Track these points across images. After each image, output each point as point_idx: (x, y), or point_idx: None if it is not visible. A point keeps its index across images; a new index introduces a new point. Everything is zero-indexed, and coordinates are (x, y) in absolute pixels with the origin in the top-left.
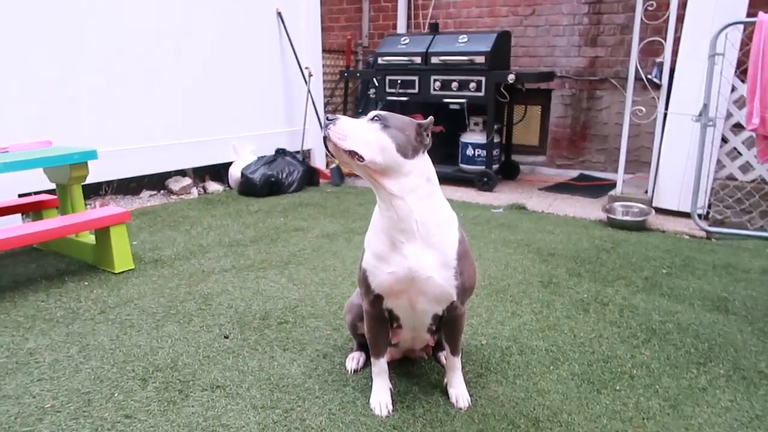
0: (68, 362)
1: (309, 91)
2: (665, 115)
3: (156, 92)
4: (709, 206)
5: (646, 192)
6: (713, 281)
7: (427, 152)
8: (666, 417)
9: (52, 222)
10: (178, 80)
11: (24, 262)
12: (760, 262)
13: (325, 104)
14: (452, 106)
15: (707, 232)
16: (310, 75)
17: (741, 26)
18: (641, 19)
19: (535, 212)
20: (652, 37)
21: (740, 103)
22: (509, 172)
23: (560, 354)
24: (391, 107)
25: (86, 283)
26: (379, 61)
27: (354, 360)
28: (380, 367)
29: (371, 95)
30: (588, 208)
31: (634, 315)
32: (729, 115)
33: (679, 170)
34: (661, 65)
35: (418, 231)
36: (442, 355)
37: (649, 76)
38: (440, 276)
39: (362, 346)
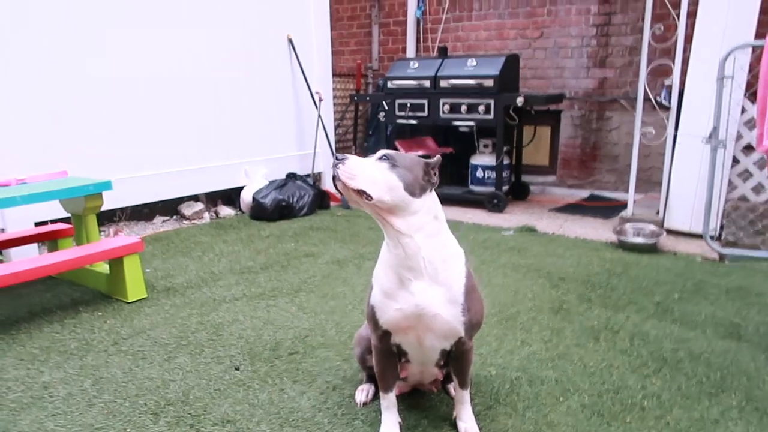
0: (82, 396)
1: (319, 116)
2: (675, 136)
3: (168, 119)
4: (722, 227)
5: (658, 213)
6: (726, 306)
7: (439, 173)
8: None
9: (66, 254)
10: (190, 107)
11: (40, 291)
12: None
13: (336, 127)
14: (462, 129)
15: (720, 254)
16: (321, 99)
17: (749, 49)
18: (649, 42)
19: (546, 234)
20: (661, 60)
21: (751, 124)
22: (519, 193)
23: (570, 384)
24: (401, 130)
25: (100, 313)
26: (389, 84)
27: (363, 392)
28: (389, 401)
29: (381, 118)
30: (599, 230)
31: (645, 343)
32: (740, 136)
33: (691, 191)
34: (669, 87)
35: (425, 268)
36: (451, 387)
37: (658, 99)
38: (447, 312)
39: (371, 378)
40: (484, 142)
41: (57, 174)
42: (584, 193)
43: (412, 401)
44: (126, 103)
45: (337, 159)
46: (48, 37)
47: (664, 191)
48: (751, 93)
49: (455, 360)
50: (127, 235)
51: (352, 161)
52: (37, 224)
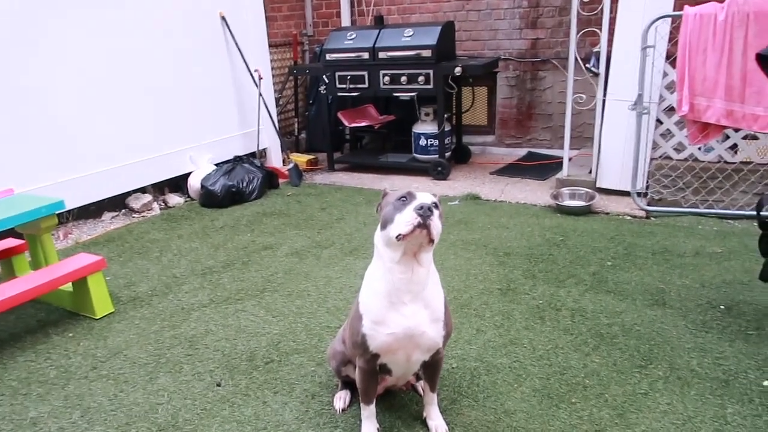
0: (74, 429)
1: (260, 94)
2: (604, 101)
3: (105, 114)
4: (647, 187)
5: (590, 172)
6: (652, 270)
7: (382, 140)
8: (615, 428)
9: (27, 282)
10: (127, 99)
11: (2, 315)
12: (693, 243)
13: (277, 99)
14: (403, 98)
15: (646, 211)
16: (261, 78)
17: (669, 19)
18: (578, 11)
19: (489, 202)
20: (589, 28)
21: (672, 88)
22: (461, 157)
23: (522, 370)
24: (343, 100)
25: (71, 334)
26: (327, 57)
27: (341, 400)
28: (370, 411)
29: (322, 91)
30: (537, 193)
31: (584, 319)
32: (662, 98)
33: (619, 152)
34: (598, 54)
35: (423, 292)
36: (420, 386)
37: (588, 66)
38: (432, 330)
39: (346, 385)
40: (425, 111)
41: (4, 193)
42: (522, 152)
43: (386, 403)
44: (59, 105)
45: (429, 210)
46: None
47: (595, 152)
48: (671, 60)
49: (430, 367)
50: (77, 237)
51: (436, 216)
52: None
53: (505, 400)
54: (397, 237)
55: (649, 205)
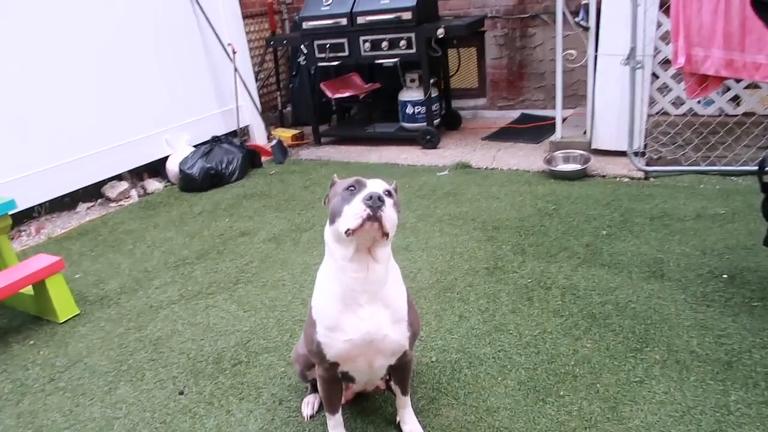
0: None
1: (236, 69)
2: (596, 56)
3: (75, 100)
4: (645, 146)
5: (585, 133)
6: (650, 239)
7: (369, 110)
8: (606, 423)
9: None
10: (97, 84)
11: None
12: (694, 205)
13: (257, 73)
14: (386, 65)
15: (645, 172)
16: (234, 52)
17: None
18: None
19: (480, 170)
20: None
21: (667, 39)
22: (452, 123)
23: (507, 360)
24: (326, 70)
25: (31, 342)
26: (304, 26)
27: (309, 405)
28: (336, 421)
29: (301, 62)
30: (531, 158)
31: (575, 299)
32: (657, 51)
33: (614, 111)
34: (587, 6)
35: (381, 292)
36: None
37: (577, 19)
38: (395, 332)
39: (315, 388)
40: (410, 77)
41: None
42: (515, 114)
43: (357, 406)
44: (21, 93)
45: (379, 200)
46: None
47: (589, 112)
48: (665, 8)
49: (398, 371)
50: (49, 231)
51: (388, 205)
52: None
53: (487, 396)
54: (346, 232)
55: (647, 165)
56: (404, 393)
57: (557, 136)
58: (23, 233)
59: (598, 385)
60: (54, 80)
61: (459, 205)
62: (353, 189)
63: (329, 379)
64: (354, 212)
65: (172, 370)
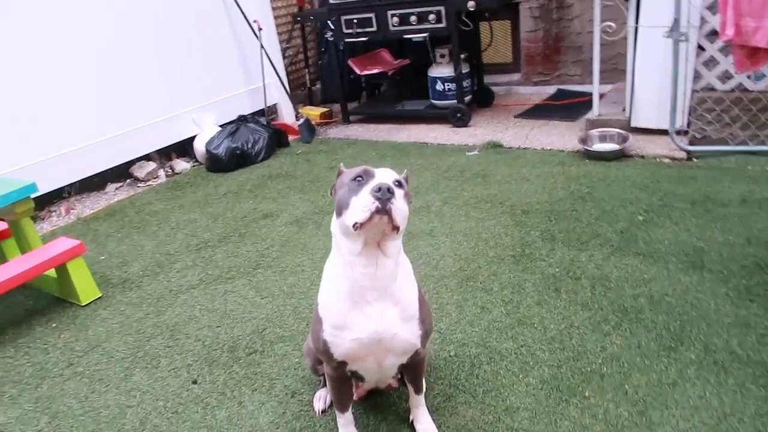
0: None
1: (262, 46)
2: (636, 28)
3: (105, 81)
4: (688, 124)
5: (624, 110)
6: (690, 226)
7: (398, 87)
8: (634, 428)
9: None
10: (126, 63)
11: None
12: (740, 189)
13: (285, 50)
14: (415, 40)
15: (687, 152)
16: (260, 29)
17: None
18: None
19: (511, 150)
20: None
21: (714, 9)
22: (484, 100)
23: (530, 356)
24: (354, 46)
25: (54, 325)
26: (331, 0)
27: (321, 400)
28: (345, 419)
29: (329, 38)
30: (565, 137)
31: (606, 290)
32: (703, 21)
33: (656, 86)
34: None
35: (390, 288)
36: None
37: None
38: (405, 330)
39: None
40: (440, 52)
41: None
42: (551, 89)
43: (370, 402)
44: (54, 75)
45: (388, 191)
46: None
47: (628, 87)
48: None
49: (410, 369)
50: (79, 212)
51: (398, 196)
52: None
53: (507, 395)
54: (353, 225)
55: (690, 144)
56: (417, 392)
57: (594, 113)
58: (53, 213)
59: (626, 387)
60: (84, 61)
61: (487, 187)
62: (361, 179)
63: (338, 377)
64: (362, 204)
65: (187, 358)
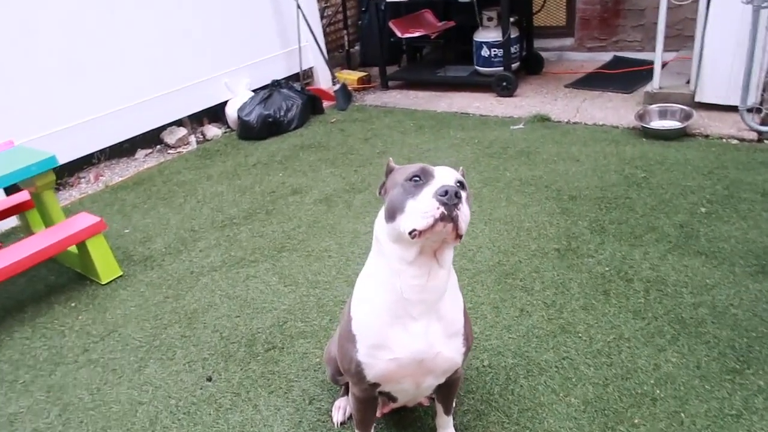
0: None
1: (298, 6)
2: None
3: (131, 44)
4: (762, 101)
5: (689, 82)
6: (761, 220)
7: (441, 51)
8: None
9: (16, 251)
10: (154, 25)
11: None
12: None
13: (323, 10)
14: (461, 0)
15: (759, 132)
16: None
17: None
18: None
19: (560, 124)
20: None
21: None
22: (532, 66)
23: (572, 371)
24: (396, 9)
25: (73, 304)
26: None
27: (340, 411)
28: None
29: None
30: (621, 110)
31: (661, 296)
32: None
33: (727, 56)
34: None
35: (438, 302)
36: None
37: None
38: (449, 348)
39: (348, 390)
40: (488, 15)
41: (1, 146)
42: (607, 56)
43: (394, 417)
44: (76, 40)
45: (455, 197)
46: None
47: (695, 57)
48: None
49: (444, 388)
50: (107, 179)
51: (465, 202)
52: (8, 192)
53: (545, 416)
54: (411, 233)
55: (762, 124)
56: (447, 412)
57: (654, 85)
58: (82, 180)
59: (682, 415)
60: (115, 25)
61: (532, 167)
62: (418, 179)
63: (365, 399)
64: (423, 210)
65: (203, 351)
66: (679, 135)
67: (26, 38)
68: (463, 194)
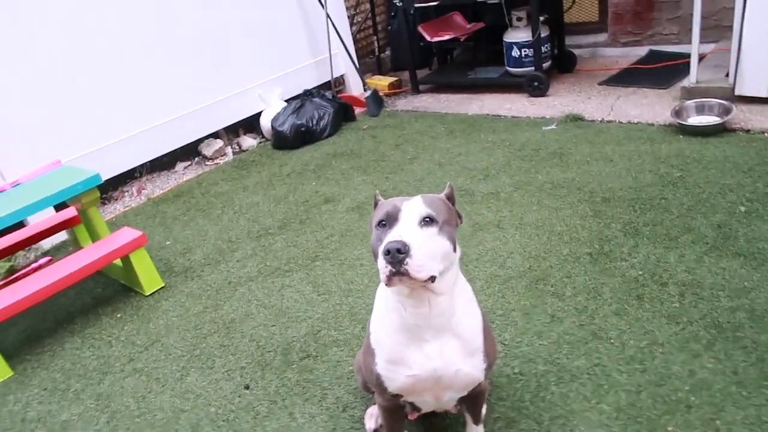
0: None
1: (328, 15)
2: None
3: (169, 61)
4: None
5: (728, 75)
6: None
7: (471, 53)
8: None
9: (67, 266)
10: (188, 42)
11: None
12: None
13: (352, 17)
14: (490, 2)
15: None
16: None
17: None
18: None
19: (594, 124)
20: None
21: None
22: (564, 64)
23: (605, 377)
24: (425, 13)
25: (119, 315)
26: None
27: (373, 419)
28: None
29: (397, 2)
30: (657, 107)
31: (697, 300)
32: None
33: None
34: None
35: (449, 324)
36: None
37: None
38: (469, 365)
39: None
40: (517, 15)
41: (50, 166)
42: (642, 51)
43: (424, 423)
44: (125, 59)
45: (399, 252)
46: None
47: (734, 48)
48: None
49: (469, 400)
50: (149, 192)
51: (418, 249)
52: (58, 209)
53: (577, 423)
54: (384, 284)
55: None
56: (476, 422)
57: (691, 79)
58: (126, 194)
59: (718, 423)
60: (151, 44)
61: (564, 169)
62: (384, 224)
63: (390, 408)
64: (380, 266)
65: (241, 360)
66: (718, 131)
67: (69, 63)
68: (419, 241)
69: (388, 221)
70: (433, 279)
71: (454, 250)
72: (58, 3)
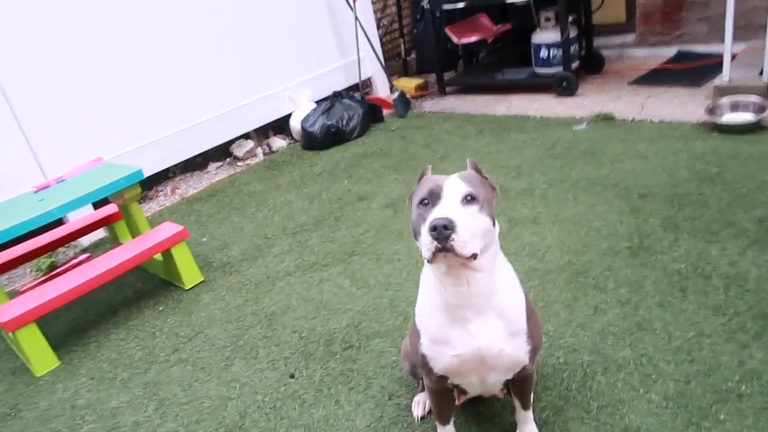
0: (148, 425)
1: (356, 18)
2: None
3: (202, 64)
4: None
5: (761, 73)
6: None
7: (498, 54)
8: None
9: (111, 259)
10: (220, 46)
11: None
12: None
13: (379, 20)
14: (517, 3)
15: None
16: (355, 0)
17: None
18: None
19: (624, 122)
20: None
21: None
22: (593, 65)
23: (651, 367)
24: (451, 15)
25: (161, 308)
26: None
27: (420, 406)
28: (447, 431)
29: (425, 5)
30: (689, 106)
31: (742, 292)
32: None
33: None
34: None
35: (490, 302)
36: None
37: None
38: (512, 346)
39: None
40: (545, 15)
41: (92, 162)
42: (670, 51)
43: (473, 410)
44: (160, 62)
45: (445, 228)
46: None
47: None
48: None
49: (517, 385)
50: (183, 191)
51: (462, 226)
52: (96, 206)
53: (626, 412)
54: (427, 260)
55: None
56: (525, 407)
57: (724, 78)
58: (161, 193)
59: None
60: (186, 48)
61: (598, 166)
62: (426, 203)
63: (438, 390)
64: (424, 242)
65: (284, 350)
66: (754, 128)
67: (108, 65)
68: (463, 218)
69: (431, 199)
70: (474, 256)
71: (494, 224)
72: (102, 5)
